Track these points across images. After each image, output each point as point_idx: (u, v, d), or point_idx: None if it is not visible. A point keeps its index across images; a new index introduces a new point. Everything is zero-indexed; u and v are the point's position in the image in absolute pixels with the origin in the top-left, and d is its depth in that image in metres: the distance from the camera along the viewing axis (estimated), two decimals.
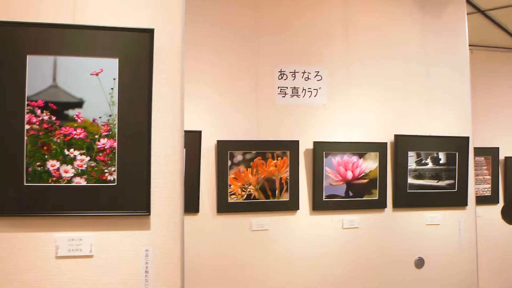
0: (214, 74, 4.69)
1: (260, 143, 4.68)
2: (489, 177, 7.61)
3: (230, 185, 4.59)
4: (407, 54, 5.29)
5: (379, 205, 5.03)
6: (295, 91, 4.86)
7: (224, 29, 4.76)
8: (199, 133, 4.50)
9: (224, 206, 4.59)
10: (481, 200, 6.94)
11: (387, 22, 5.26)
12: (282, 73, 4.85)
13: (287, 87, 4.85)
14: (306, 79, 4.90)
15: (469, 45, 5.68)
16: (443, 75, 5.40)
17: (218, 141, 4.58)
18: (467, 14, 5.67)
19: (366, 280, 4.95)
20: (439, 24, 5.47)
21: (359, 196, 4.94)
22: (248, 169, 4.63)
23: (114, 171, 2.71)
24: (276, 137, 4.73)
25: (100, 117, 2.67)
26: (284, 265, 4.73)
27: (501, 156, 7.72)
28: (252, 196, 4.64)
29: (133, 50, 2.76)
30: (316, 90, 4.91)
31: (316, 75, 4.93)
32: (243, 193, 4.62)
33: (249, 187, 4.63)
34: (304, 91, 4.89)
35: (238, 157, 4.61)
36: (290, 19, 4.95)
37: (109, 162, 2.70)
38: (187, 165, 4.37)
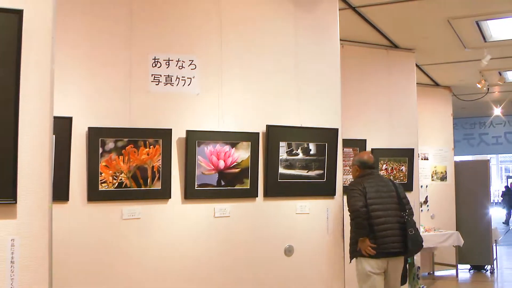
0: (86, 60, 4.58)
1: (133, 130, 4.63)
2: None
3: (101, 173, 4.51)
4: (280, 47, 5.39)
5: (251, 194, 5.10)
6: (168, 79, 4.84)
7: (97, 15, 4.66)
8: (69, 119, 4.39)
9: (94, 195, 4.51)
10: None
11: (261, 15, 5.34)
12: (156, 60, 4.81)
13: (160, 75, 4.82)
14: (180, 67, 4.89)
15: (340, 40, 5.87)
16: (314, 68, 5.55)
17: (89, 128, 4.49)
18: (339, 9, 5.85)
19: (238, 268, 5.02)
20: (312, 18, 5.61)
21: (231, 185, 5.00)
22: (120, 157, 4.56)
23: None
24: (149, 125, 4.70)
25: None
26: (156, 254, 4.71)
27: (368, 148, 8.05)
28: (124, 184, 4.59)
29: (0, 31, 2.65)
30: (190, 79, 4.91)
31: (190, 64, 4.92)
32: (115, 181, 4.56)
33: (121, 175, 4.57)
34: (178, 79, 4.88)
35: (110, 144, 4.54)
36: (166, 7, 4.92)
37: None
38: (57, 152, 4.23)
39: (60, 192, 4.32)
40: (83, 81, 4.57)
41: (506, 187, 26.99)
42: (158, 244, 4.73)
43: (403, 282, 5.67)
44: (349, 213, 5.52)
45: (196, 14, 5.03)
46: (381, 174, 7.94)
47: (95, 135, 4.50)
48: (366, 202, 5.45)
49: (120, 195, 4.59)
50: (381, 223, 5.44)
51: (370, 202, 5.47)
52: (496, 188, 44.20)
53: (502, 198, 27.44)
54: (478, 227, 11.33)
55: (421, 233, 8.90)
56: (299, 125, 5.35)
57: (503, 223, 23.86)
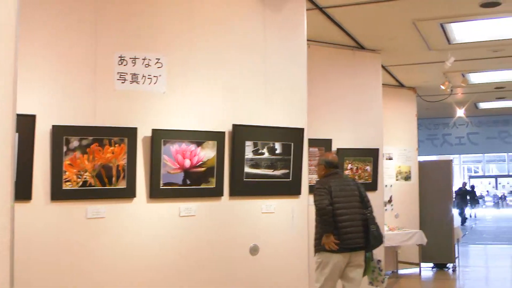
0: (50, 57, 4.53)
1: (98, 129, 4.59)
2: None
3: (65, 172, 4.46)
4: (247, 46, 5.39)
5: (216, 193, 5.10)
6: (135, 77, 4.81)
7: (61, 12, 4.61)
8: (33, 117, 4.33)
9: (58, 193, 4.46)
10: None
11: (228, 14, 5.33)
12: (122, 58, 4.77)
13: (126, 73, 4.79)
14: (147, 65, 4.86)
15: (307, 40, 5.89)
16: (281, 68, 5.56)
17: (54, 126, 4.44)
18: (307, 10, 5.87)
19: (203, 267, 5.01)
20: (279, 18, 5.62)
21: (196, 184, 4.99)
22: (85, 155, 4.52)
23: None
24: (114, 124, 4.66)
25: None
26: (121, 253, 4.68)
27: (334, 148, 8.09)
28: (88, 183, 4.54)
29: None
30: (156, 77, 4.89)
31: (157, 62, 4.90)
32: (79, 180, 4.51)
33: (85, 174, 4.53)
34: (144, 77, 4.85)
35: (74, 143, 4.49)
36: (132, 5, 4.89)
37: None
38: (20, 151, 4.19)
39: (23, 190, 4.27)
40: (47, 79, 4.51)
41: (460, 188, 27.42)
42: (123, 243, 4.69)
43: (363, 274, 6.08)
44: (316, 210, 5.84)
45: (163, 13, 5.01)
46: (346, 173, 8.01)
47: (59, 133, 4.45)
48: (332, 200, 5.80)
49: (84, 194, 4.55)
50: (345, 220, 5.81)
51: (335, 201, 5.84)
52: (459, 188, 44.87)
53: (455, 199, 27.87)
54: (440, 226, 11.48)
55: (385, 232, 9.02)
56: (265, 125, 5.35)
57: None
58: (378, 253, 8.47)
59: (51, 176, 4.44)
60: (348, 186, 6.05)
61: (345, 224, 5.80)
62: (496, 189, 46.88)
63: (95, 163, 4.56)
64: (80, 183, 4.52)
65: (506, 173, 45.79)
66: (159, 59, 4.91)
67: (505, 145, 19.30)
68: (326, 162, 6.18)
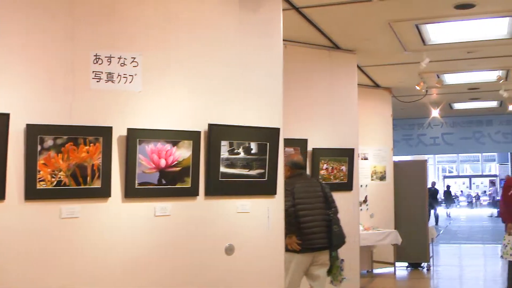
0: (25, 55, 4.48)
1: (72, 128, 4.55)
2: None
3: (39, 171, 4.42)
4: (223, 45, 5.39)
5: (192, 193, 5.09)
6: (110, 76, 4.78)
7: (36, 9, 4.56)
8: (6, 115, 4.28)
9: (32, 193, 4.41)
10: None
11: (204, 14, 5.32)
12: (97, 57, 4.74)
13: (102, 72, 4.75)
14: (122, 64, 4.84)
15: (284, 40, 5.90)
16: (257, 68, 5.57)
17: (28, 125, 4.39)
18: (283, 10, 5.89)
19: (178, 267, 5.00)
20: (256, 18, 5.62)
21: (172, 184, 4.97)
22: (59, 154, 4.48)
23: None
24: (89, 123, 4.62)
25: None
26: (96, 253, 4.64)
27: (309, 148, 8.12)
28: (63, 182, 4.51)
29: None
30: (132, 76, 4.86)
31: (132, 61, 4.87)
32: (53, 179, 4.47)
33: (60, 173, 4.49)
34: (119, 76, 4.82)
35: (49, 142, 4.46)
36: (108, 3, 4.86)
37: None
38: None
39: None
40: (21, 77, 4.46)
41: (429, 188, 27.68)
42: (98, 243, 4.66)
43: (327, 273, 6.31)
44: None
45: (139, 11, 4.98)
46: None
47: (34, 132, 4.41)
48: (294, 202, 6.01)
49: (58, 193, 4.51)
50: (308, 221, 5.99)
51: (299, 202, 6.06)
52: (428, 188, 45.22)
53: None
54: (415, 226, 11.58)
55: (360, 232, 9.09)
56: (241, 124, 5.35)
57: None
58: (352, 253, 8.55)
59: (25, 176, 4.39)
60: (312, 188, 6.23)
61: (308, 225, 5.94)
62: (470, 189, 47.39)
63: (69, 163, 4.53)
64: (55, 183, 4.48)
65: (480, 173, 46.29)
66: (134, 58, 4.89)
67: (479, 145, 19.48)
68: (292, 163, 6.38)
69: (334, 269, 6.17)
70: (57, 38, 4.61)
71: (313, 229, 5.99)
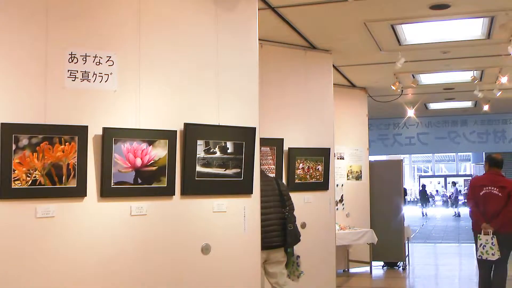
0: None
1: (48, 127, 4.53)
2: (273, 166, 8.00)
3: (14, 170, 4.39)
4: (199, 45, 5.39)
5: (168, 192, 5.08)
6: (85, 75, 4.76)
7: (11, 7, 4.53)
8: None
9: (7, 192, 4.37)
10: None
11: (180, 13, 5.32)
12: (72, 56, 4.72)
13: (77, 71, 4.74)
14: (98, 63, 4.82)
15: (260, 40, 5.92)
16: (233, 67, 5.58)
17: (2, 124, 4.36)
18: (259, 9, 5.90)
19: (154, 267, 4.99)
20: (231, 17, 5.63)
21: (147, 183, 4.96)
22: (34, 153, 4.46)
23: None
24: (64, 122, 4.60)
25: None
26: (71, 253, 4.62)
27: (285, 147, 8.15)
28: (38, 182, 4.48)
29: None
30: (107, 75, 4.85)
31: (108, 60, 4.86)
32: (28, 178, 4.45)
33: (35, 172, 4.47)
34: (95, 75, 4.80)
35: (24, 141, 4.43)
36: (84, 2, 4.84)
37: None
38: None
39: None
40: None
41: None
42: (73, 242, 4.64)
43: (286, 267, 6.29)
44: None
45: (114, 10, 4.97)
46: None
47: (8, 131, 4.38)
48: None
49: (34, 193, 4.48)
50: (264, 219, 5.87)
51: None
52: (409, 187, 45.62)
53: None
54: (391, 225, 11.66)
55: (336, 231, 9.13)
56: (217, 124, 5.36)
57: None
58: (328, 252, 8.60)
59: (0, 175, 4.36)
60: (269, 186, 6.18)
61: (264, 224, 5.88)
62: (445, 188, 47.82)
63: (45, 162, 4.50)
64: (30, 182, 4.46)
65: (455, 173, 46.72)
66: (110, 57, 4.87)
67: (454, 145, 19.65)
68: None
69: (290, 265, 6.21)
70: (32, 37, 4.58)
71: (267, 228, 5.99)
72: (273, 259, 6.14)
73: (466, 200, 7.83)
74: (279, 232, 6.06)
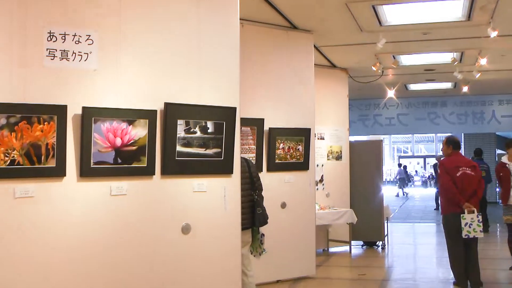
0: None
1: (26, 106, 4.49)
2: (254, 146, 8.00)
3: None
4: (180, 24, 5.36)
5: (148, 172, 5.07)
6: (64, 54, 4.72)
7: None
8: None
9: None
10: None
11: None
12: (51, 34, 4.67)
13: (56, 50, 4.69)
14: (77, 42, 4.78)
15: (241, 20, 5.89)
16: (214, 46, 5.55)
17: None
18: None
19: (134, 246, 4.99)
20: None
21: (127, 163, 4.95)
22: (12, 133, 4.42)
23: None
24: (43, 101, 4.56)
25: None
26: (51, 233, 4.60)
27: (266, 127, 8.15)
28: (16, 161, 4.45)
29: None
30: (86, 54, 4.81)
31: (87, 39, 4.82)
32: (6, 158, 4.41)
33: (13, 152, 4.43)
34: (74, 54, 4.76)
35: (2, 120, 4.39)
36: None
37: None
38: None
39: None
40: None
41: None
42: (52, 222, 4.62)
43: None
44: None
45: None
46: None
47: None
48: None
49: (12, 173, 4.45)
50: None
51: None
52: (389, 167, 45.90)
53: None
54: (371, 205, 11.73)
55: (316, 211, 9.18)
56: (198, 103, 5.34)
57: None
58: (308, 231, 8.64)
59: None
60: (240, 168, 5.99)
61: None
62: (424, 169, 48.15)
63: (23, 142, 4.47)
64: (8, 162, 4.42)
65: (434, 153, 46.98)
66: (89, 35, 4.83)
67: (433, 126, 19.79)
68: None
69: (254, 242, 6.23)
70: (10, 15, 4.52)
71: None
72: (242, 239, 6.05)
73: (441, 182, 7.82)
74: (247, 215, 6.06)
